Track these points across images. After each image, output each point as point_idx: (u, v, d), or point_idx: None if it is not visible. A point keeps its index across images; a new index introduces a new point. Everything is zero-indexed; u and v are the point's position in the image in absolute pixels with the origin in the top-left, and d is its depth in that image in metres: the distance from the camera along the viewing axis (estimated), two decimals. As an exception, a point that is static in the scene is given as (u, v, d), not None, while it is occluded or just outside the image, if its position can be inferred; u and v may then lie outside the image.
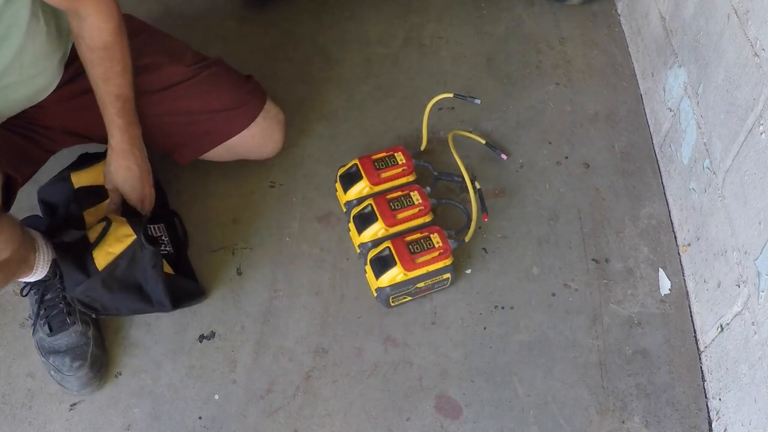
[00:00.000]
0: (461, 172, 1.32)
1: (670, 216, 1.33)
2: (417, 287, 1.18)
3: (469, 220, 1.27)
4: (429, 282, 1.18)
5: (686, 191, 1.25)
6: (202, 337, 1.19)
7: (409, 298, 1.19)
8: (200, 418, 1.11)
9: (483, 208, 1.25)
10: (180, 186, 1.37)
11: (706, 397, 1.11)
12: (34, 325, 1.16)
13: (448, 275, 1.20)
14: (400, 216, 1.22)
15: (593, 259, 1.28)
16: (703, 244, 1.17)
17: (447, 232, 1.21)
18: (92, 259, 1.12)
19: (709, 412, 1.10)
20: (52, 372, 1.12)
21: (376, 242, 1.22)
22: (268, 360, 1.17)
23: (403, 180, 1.30)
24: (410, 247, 1.17)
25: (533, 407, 1.11)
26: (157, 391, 1.14)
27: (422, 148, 1.40)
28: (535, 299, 1.23)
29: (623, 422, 1.10)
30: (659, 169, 1.40)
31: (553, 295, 1.23)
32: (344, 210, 1.29)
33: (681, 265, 1.26)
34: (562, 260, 1.27)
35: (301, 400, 1.12)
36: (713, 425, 1.08)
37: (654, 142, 1.44)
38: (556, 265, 1.27)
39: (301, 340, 1.19)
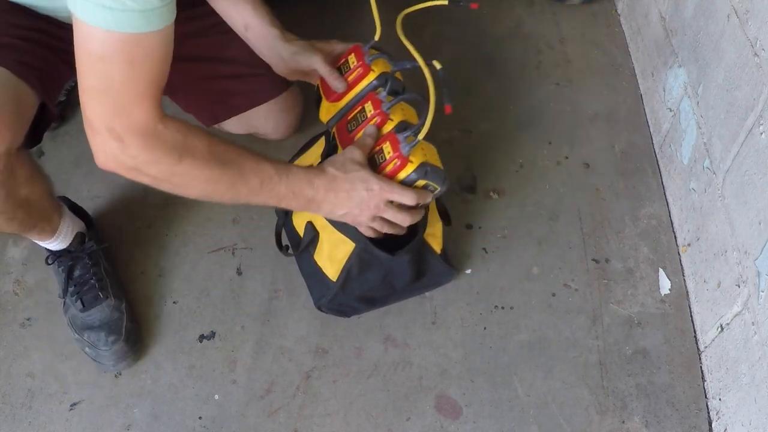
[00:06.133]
0: (413, 56, 1.04)
1: (670, 216, 1.33)
2: None
3: (425, 113, 0.96)
4: None
5: (686, 191, 1.25)
6: (202, 337, 1.19)
7: None
8: (200, 418, 1.11)
9: (446, 96, 0.93)
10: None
11: (706, 397, 1.11)
12: (64, 301, 1.15)
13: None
14: (358, 137, 1.05)
15: (593, 259, 1.28)
16: (703, 244, 1.17)
17: (402, 134, 1.00)
18: (320, 268, 1.10)
19: (709, 412, 1.10)
20: (87, 348, 1.12)
21: None
22: (268, 360, 1.17)
23: (365, 82, 1.10)
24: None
25: (533, 407, 1.11)
26: (157, 391, 1.14)
27: (376, 37, 1.14)
28: (535, 299, 1.23)
29: (623, 422, 1.10)
30: (659, 169, 1.40)
31: (553, 295, 1.23)
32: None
33: (681, 265, 1.26)
34: (562, 260, 1.27)
35: (301, 400, 1.12)
36: (713, 425, 1.08)
37: (654, 142, 1.44)
38: (556, 265, 1.27)
39: (301, 340, 1.19)
